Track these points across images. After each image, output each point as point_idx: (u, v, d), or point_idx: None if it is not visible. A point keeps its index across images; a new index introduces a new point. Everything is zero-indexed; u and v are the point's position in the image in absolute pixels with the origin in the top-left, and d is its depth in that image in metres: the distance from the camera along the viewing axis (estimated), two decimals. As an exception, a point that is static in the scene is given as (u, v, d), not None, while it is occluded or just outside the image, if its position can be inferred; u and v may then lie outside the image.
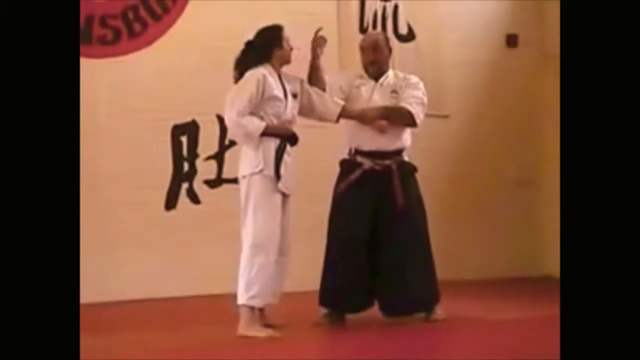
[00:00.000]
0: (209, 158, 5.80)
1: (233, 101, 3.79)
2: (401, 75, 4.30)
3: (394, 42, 6.05)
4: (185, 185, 5.73)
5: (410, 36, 6.41)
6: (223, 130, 5.72)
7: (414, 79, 4.26)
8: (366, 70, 4.32)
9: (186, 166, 5.75)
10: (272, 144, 3.83)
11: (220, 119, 5.50)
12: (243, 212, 3.85)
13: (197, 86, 5.55)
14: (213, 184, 5.82)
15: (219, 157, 5.83)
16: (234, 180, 5.16)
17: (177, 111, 5.66)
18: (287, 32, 3.99)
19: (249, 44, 3.97)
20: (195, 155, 5.76)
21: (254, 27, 4.30)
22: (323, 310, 4.22)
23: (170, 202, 5.69)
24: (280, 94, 3.84)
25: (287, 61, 4.00)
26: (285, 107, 3.88)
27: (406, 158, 4.25)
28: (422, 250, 4.12)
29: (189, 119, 5.72)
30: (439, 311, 4.19)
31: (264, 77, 3.78)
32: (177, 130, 5.70)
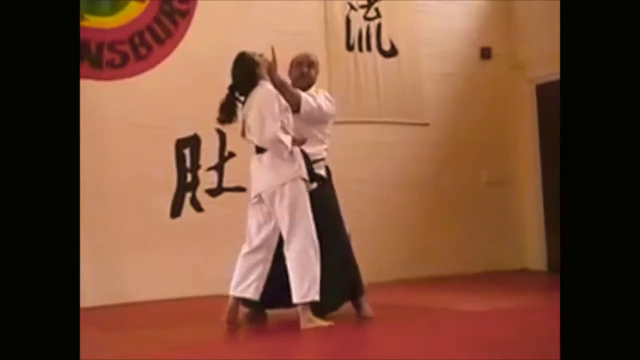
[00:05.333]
0: (210, 169, 5.93)
1: (268, 117, 3.82)
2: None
3: (377, 57, 6.53)
4: (188, 195, 5.85)
5: (392, 52, 6.61)
6: (223, 142, 5.91)
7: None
8: (294, 81, 4.34)
9: (189, 177, 5.86)
10: (298, 150, 3.93)
11: (220, 133, 5.82)
12: (289, 214, 3.85)
13: (198, 103, 5.57)
14: (214, 192, 5.93)
15: (219, 168, 5.95)
16: (234, 189, 5.71)
17: (180, 126, 5.80)
18: (250, 50, 4.08)
19: (234, 80, 4.06)
20: (198, 167, 5.87)
21: (249, 47, 4.41)
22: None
23: (176, 210, 5.81)
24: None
25: (274, 68, 4.05)
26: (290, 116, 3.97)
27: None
28: None
29: (191, 133, 5.85)
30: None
31: (276, 92, 3.89)
32: (181, 144, 5.83)
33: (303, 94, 4.07)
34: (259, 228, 4.00)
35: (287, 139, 3.81)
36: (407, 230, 6.48)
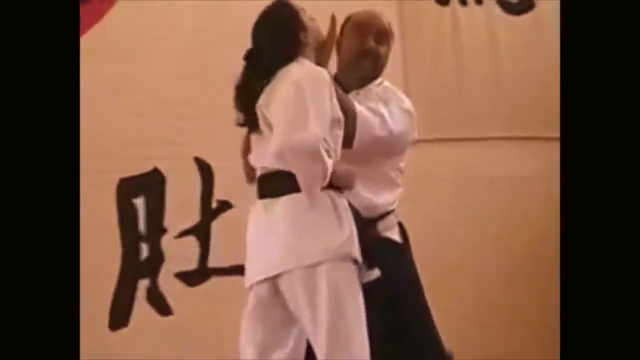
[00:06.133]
0: (184, 234, 4.43)
1: (312, 111, 2.79)
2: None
3: (496, 15, 4.86)
4: (144, 283, 4.39)
5: (524, 5, 4.84)
6: (208, 183, 4.45)
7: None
8: (349, 64, 3.29)
9: (145, 249, 4.43)
10: (344, 203, 2.97)
11: (202, 165, 4.49)
12: (328, 328, 2.84)
13: (159, 110, 4.35)
14: (193, 278, 4.44)
15: (202, 231, 4.46)
16: (231, 271, 4.33)
17: (126, 154, 4.34)
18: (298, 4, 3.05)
19: (256, 43, 3.03)
20: (161, 230, 4.43)
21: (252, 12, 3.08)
22: None
23: (119, 315, 4.36)
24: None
25: (329, 47, 3.11)
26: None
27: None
28: None
29: (147, 166, 4.39)
30: None
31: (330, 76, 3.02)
32: (128, 188, 4.40)
33: (360, 110, 3.06)
34: (267, 354, 2.88)
35: (328, 164, 2.72)
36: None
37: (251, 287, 2.84)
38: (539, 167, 4.86)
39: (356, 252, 2.78)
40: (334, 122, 2.81)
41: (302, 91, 2.74)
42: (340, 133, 2.86)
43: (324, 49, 3.02)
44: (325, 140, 2.70)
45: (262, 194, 2.82)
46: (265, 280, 2.80)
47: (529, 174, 4.75)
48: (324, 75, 2.83)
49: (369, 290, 2.94)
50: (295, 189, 2.76)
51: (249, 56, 2.90)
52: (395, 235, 3.21)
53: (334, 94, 2.86)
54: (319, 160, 2.64)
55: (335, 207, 2.77)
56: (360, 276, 2.80)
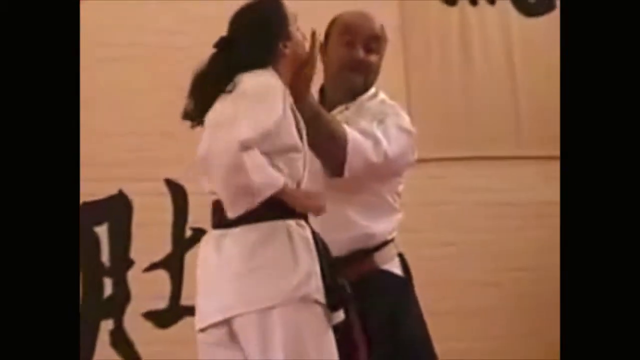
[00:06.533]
0: (153, 267, 4.22)
1: (249, 115, 2.48)
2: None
3: (510, 16, 4.66)
4: (107, 324, 4.16)
5: (543, 5, 4.57)
6: (181, 208, 4.23)
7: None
8: (335, 76, 2.92)
9: (109, 285, 4.23)
10: (305, 234, 2.58)
11: (174, 187, 4.30)
12: None
13: (125, 125, 4.14)
14: (164, 319, 4.19)
15: (174, 264, 4.23)
16: None
17: (87, 174, 3.69)
18: (290, 8, 2.67)
19: (231, 33, 2.69)
20: (128, 263, 4.22)
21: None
22: None
23: None
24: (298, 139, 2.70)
25: (304, 64, 2.69)
26: (304, 161, 2.63)
27: None
28: None
29: (111, 189, 4.21)
30: None
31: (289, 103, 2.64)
32: (89, 213, 4.12)
33: (351, 133, 2.81)
34: None
35: (263, 174, 2.43)
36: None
37: (203, 329, 2.51)
38: (557, 191, 4.69)
39: (316, 292, 2.48)
40: (290, 147, 2.56)
41: (239, 101, 2.47)
42: (297, 156, 2.60)
43: (304, 71, 2.69)
44: (257, 153, 2.42)
45: (214, 224, 2.55)
46: (217, 324, 2.50)
47: (545, 198, 4.41)
48: (277, 86, 2.55)
49: (369, 332, 2.67)
50: (246, 219, 2.46)
51: (221, 45, 2.61)
52: (395, 268, 2.88)
53: (288, 117, 2.57)
54: (241, 172, 2.35)
55: (292, 240, 2.48)
56: (326, 316, 2.51)
